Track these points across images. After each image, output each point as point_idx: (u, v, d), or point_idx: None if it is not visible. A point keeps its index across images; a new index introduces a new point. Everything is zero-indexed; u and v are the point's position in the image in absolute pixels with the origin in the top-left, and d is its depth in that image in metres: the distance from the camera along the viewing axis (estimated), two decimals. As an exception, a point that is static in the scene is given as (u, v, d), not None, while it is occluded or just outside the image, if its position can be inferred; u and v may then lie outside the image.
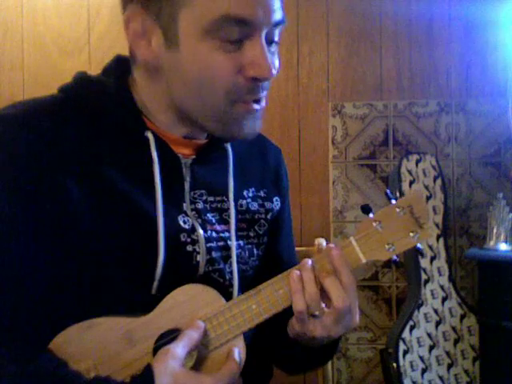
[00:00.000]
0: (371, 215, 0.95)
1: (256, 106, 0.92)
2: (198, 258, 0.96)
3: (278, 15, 0.90)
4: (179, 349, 0.85)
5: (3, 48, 2.57)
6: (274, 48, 0.92)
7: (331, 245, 0.95)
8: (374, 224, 0.94)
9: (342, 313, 0.91)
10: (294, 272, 0.92)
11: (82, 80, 0.98)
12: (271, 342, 1.08)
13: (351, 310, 0.92)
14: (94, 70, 1.00)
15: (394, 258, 0.95)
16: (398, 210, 0.94)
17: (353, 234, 0.96)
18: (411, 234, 0.94)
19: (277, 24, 0.90)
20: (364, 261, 0.93)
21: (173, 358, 0.83)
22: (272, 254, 1.10)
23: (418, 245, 0.96)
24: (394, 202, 0.95)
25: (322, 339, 0.94)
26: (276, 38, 0.92)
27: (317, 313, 0.91)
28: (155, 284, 0.92)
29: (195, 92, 0.90)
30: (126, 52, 1.01)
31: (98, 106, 0.94)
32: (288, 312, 0.94)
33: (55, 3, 2.55)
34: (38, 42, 2.56)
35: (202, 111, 0.92)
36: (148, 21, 0.89)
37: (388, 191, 0.97)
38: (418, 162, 2.30)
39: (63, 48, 2.55)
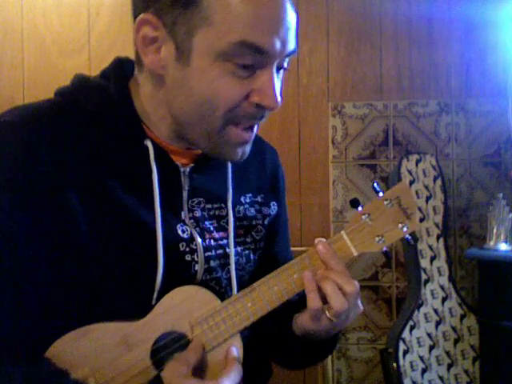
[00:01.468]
0: (360, 208, 0.95)
1: (248, 135, 0.93)
2: (197, 267, 0.96)
3: (292, 46, 0.90)
4: (183, 363, 0.86)
5: (3, 48, 2.57)
6: (281, 74, 0.93)
7: (317, 240, 0.96)
8: (363, 217, 0.95)
9: (353, 298, 0.92)
10: (307, 273, 0.92)
11: (80, 84, 0.96)
12: (271, 339, 1.09)
13: (357, 294, 0.94)
14: (94, 70, 0.99)
15: (385, 249, 0.96)
16: (385, 202, 0.95)
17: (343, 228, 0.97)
18: (400, 225, 0.95)
19: (290, 54, 0.91)
20: (356, 254, 0.94)
21: (180, 369, 0.85)
22: (268, 256, 1.10)
23: (407, 235, 0.96)
24: (381, 194, 0.96)
25: (329, 332, 0.96)
26: (285, 65, 0.93)
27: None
28: (155, 295, 0.91)
29: (196, 107, 0.89)
30: (125, 52, 1.00)
31: (98, 111, 0.93)
32: (287, 309, 0.95)
33: (55, 3, 2.55)
34: (38, 42, 2.56)
35: (197, 127, 0.91)
36: (160, 30, 0.88)
37: (375, 184, 0.97)
38: (417, 161, 2.30)
39: (63, 48, 2.55)
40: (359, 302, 0.96)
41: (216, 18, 0.84)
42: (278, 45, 0.87)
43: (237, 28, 0.84)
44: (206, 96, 0.87)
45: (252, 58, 0.86)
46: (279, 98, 0.90)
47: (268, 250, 1.11)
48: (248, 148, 0.95)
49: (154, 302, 0.91)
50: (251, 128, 0.93)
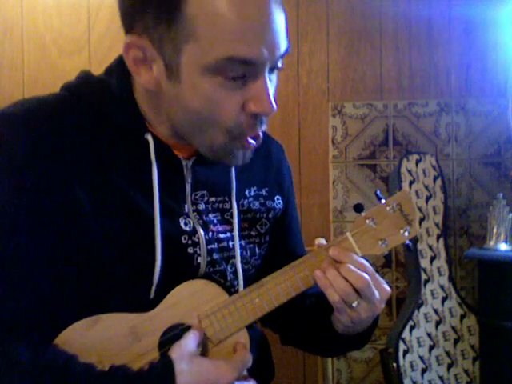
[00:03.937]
0: (363, 213, 0.98)
1: (252, 143, 0.92)
2: (199, 259, 0.96)
3: (283, 48, 0.88)
4: (190, 341, 0.88)
5: (3, 48, 2.57)
6: (275, 75, 0.91)
7: (321, 241, 0.97)
8: (367, 221, 0.97)
9: (362, 290, 0.93)
10: (317, 271, 0.94)
11: (85, 79, 0.97)
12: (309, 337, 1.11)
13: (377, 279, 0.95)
14: (94, 70, 1.00)
15: (386, 253, 0.99)
16: (388, 208, 0.98)
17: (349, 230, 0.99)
18: (401, 231, 0.98)
19: (282, 56, 0.89)
20: (360, 255, 0.96)
21: (187, 349, 0.87)
22: (286, 252, 1.11)
23: (407, 241, 0.99)
24: (383, 201, 0.99)
25: (368, 321, 0.97)
26: (280, 65, 0.91)
27: (354, 304, 0.93)
28: (154, 288, 0.92)
29: (195, 124, 0.89)
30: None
31: (101, 106, 0.94)
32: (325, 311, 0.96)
33: (55, 3, 2.55)
34: (38, 42, 2.56)
35: (198, 138, 0.91)
36: (149, 49, 0.87)
37: (378, 191, 1.00)
38: (418, 162, 2.30)
39: (63, 48, 2.55)
40: (374, 295, 0.94)
41: (201, 33, 0.83)
42: (266, 53, 0.85)
43: (223, 42, 0.83)
44: (202, 110, 0.87)
45: (242, 69, 0.85)
46: (274, 104, 0.88)
47: (285, 245, 1.12)
48: (251, 153, 0.95)
49: (152, 296, 0.92)
50: (256, 137, 0.92)
